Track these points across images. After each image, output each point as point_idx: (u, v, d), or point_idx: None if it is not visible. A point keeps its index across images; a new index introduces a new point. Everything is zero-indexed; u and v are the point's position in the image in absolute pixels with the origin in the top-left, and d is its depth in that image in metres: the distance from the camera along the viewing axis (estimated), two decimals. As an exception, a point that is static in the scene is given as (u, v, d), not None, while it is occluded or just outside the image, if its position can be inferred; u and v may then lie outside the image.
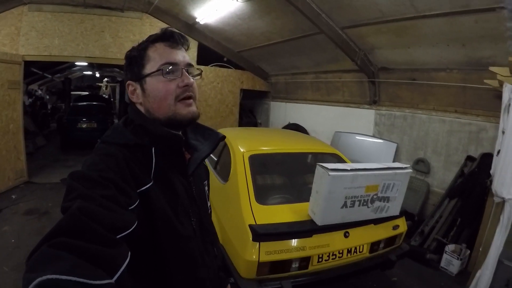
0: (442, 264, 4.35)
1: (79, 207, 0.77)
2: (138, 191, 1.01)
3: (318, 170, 3.02)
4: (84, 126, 10.61)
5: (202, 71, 1.30)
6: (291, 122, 8.87)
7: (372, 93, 6.41)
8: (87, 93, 17.22)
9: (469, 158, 4.84)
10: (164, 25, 7.70)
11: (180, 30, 7.63)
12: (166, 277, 1.08)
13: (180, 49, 1.20)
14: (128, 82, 1.22)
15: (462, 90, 4.86)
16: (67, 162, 9.16)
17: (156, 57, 1.15)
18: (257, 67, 9.58)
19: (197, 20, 7.74)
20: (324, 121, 7.90)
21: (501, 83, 3.54)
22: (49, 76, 17.58)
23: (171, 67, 1.14)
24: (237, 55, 9.08)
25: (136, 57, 1.18)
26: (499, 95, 3.78)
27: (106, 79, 18.28)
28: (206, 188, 1.47)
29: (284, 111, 9.55)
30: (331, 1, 5.02)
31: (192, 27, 8.20)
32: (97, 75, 22.40)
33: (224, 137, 1.35)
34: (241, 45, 8.48)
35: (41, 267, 0.61)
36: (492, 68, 3.59)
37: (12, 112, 6.64)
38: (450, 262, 4.27)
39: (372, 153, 6.19)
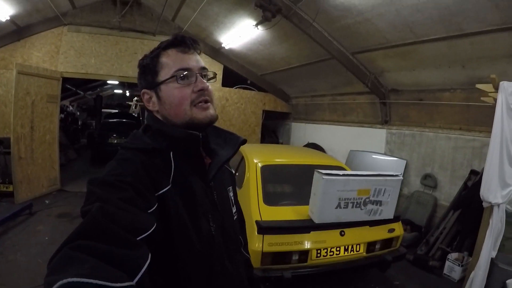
0: (445, 271, 4.56)
1: (99, 210, 0.78)
2: (156, 194, 1.02)
3: (315, 175, 3.47)
4: (115, 141, 11.00)
5: (216, 74, 1.30)
6: (310, 142, 9.23)
7: (383, 113, 6.74)
8: (117, 110, 17.56)
9: (473, 172, 5.09)
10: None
11: (206, 53, 8.40)
12: (182, 281, 1.08)
13: (192, 53, 1.18)
14: (143, 90, 1.21)
15: (466, 108, 5.15)
16: (96, 174, 9.57)
17: (169, 64, 1.14)
18: (279, 89, 10.07)
19: (222, 45, 8.35)
20: (340, 140, 8.24)
21: (495, 99, 3.80)
22: (82, 92, 18.34)
23: (185, 72, 1.13)
24: (260, 78, 9.63)
25: (149, 65, 1.18)
26: None
27: (136, 98, 18.79)
28: (231, 194, 1.44)
29: (304, 132, 9.93)
30: (340, 29, 5.47)
31: (218, 51, 8.84)
32: (128, 94, 23.20)
33: (245, 140, 1.35)
34: (263, 69, 9.03)
35: (62, 270, 0.61)
36: (478, 86, 3.85)
37: (49, 123, 7.28)
38: (452, 269, 4.48)
39: (384, 169, 6.40)
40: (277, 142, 11.15)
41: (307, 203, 3.65)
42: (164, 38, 6.46)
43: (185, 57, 1.16)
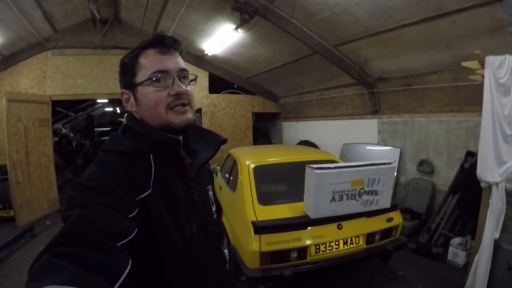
0: (449, 257, 4.45)
1: (79, 216, 0.78)
2: (137, 198, 1.01)
3: (307, 170, 3.37)
4: None
5: (197, 76, 1.27)
6: (302, 139, 9.17)
7: (372, 103, 6.66)
8: (110, 128, 17.71)
9: (469, 154, 4.98)
10: None
11: (191, 62, 8.31)
12: (165, 283, 1.09)
13: (172, 54, 1.15)
14: (122, 90, 1.20)
15: (455, 90, 5.06)
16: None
17: (147, 65, 1.12)
18: (266, 90, 10.01)
19: (205, 52, 8.26)
20: (332, 135, 8.18)
21: (483, 76, 3.68)
22: (73, 114, 18.44)
23: (161, 75, 1.11)
24: (246, 81, 9.56)
25: (128, 65, 1.15)
26: None
27: (126, 114, 18.97)
28: (211, 192, 1.44)
29: (295, 130, 9.89)
30: (319, 22, 5.38)
31: (201, 59, 8.76)
32: (118, 110, 23.33)
33: (226, 140, 1.35)
34: (248, 71, 8.96)
35: (43, 277, 0.61)
36: (464, 64, 3.72)
37: (43, 147, 7.23)
38: (456, 254, 4.37)
39: (378, 159, 6.34)
40: (270, 143, 11.07)
41: (301, 200, 3.55)
42: None
43: (163, 58, 1.13)
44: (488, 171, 3.35)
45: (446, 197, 5.06)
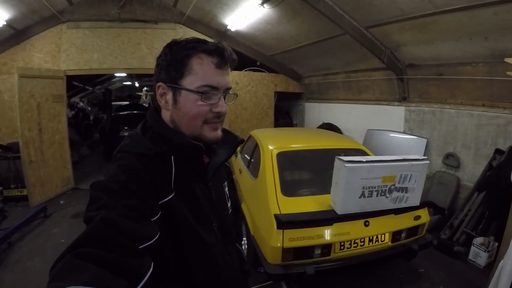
0: (470, 256, 4.36)
1: (103, 218, 0.79)
2: (160, 202, 1.01)
3: (336, 162, 3.23)
4: (127, 134, 10.69)
5: (237, 95, 1.28)
6: (325, 122, 8.97)
7: (401, 90, 6.44)
8: (128, 102, 17.46)
9: (498, 151, 4.80)
10: (197, 34, 8.05)
11: (212, 37, 8.01)
12: (191, 283, 1.10)
13: (225, 69, 1.13)
14: (160, 83, 1.14)
15: (489, 83, 4.84)
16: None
17: (199, 74, 1.08)
18: (290, 69, 9.74)
19: (228, 27, 8.03)
20: (356, 119, 7.96)
21: (524, 74, 3.54)
22: (90, 88, 18.32)
23: (212, 91, 1.10)
24: (270, 58, 9.30)
25: (177, 61, 1.10)
26: None
27: (145, 88, 18.64)
28: (226, 189, 1.46)
29: (318, 112, 9.66)
30: (352, 1, 5.14)
31: (224, 34, 8.48)
32: (137, 84, 22.99)
33: (242, 140, 1.35)
34: (273, 49, 8.70)
35: (65, 278, 0.62)
36: (507, 60, 3.58)
37: (57, 124, 7.13)
38: (478, 254, 4.28)
39: (403, 149, 6.21)
40: (291, 124, 10.91)
41: (327, 192, 3.46)
42: (167, 25, 6.36)
43: (217, 73, 1.10)
44: None
45: (471, 194, 4.92)
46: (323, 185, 3.79)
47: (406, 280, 3.94)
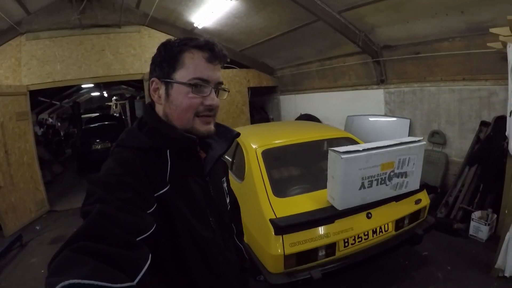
0: (471, 232, 4.35)
1: (99, 211, 0.79)
2: (155, 195, 1.02)
3: (331, 155, 3.05)
4: (99, 147, 10.58)
5: (229, 91, 1.29)
6: (302, 113, 8.84)
7: (378, 72, 6.37)
8: (98, 114, 17.05)
9: (483, 123, 4.78)
10: (163, 35, 7.89)
11: (178, 37, 7.75)
12: (188, 277, 1.10)
13: (216, 65, 1.17)
14: (153, 79, 1.18)
15: (467, 57, 4.80)
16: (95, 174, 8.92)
17: (190, 67, 1.12)
18: (261, 63, 9.57)
19: (194, 25, 7.76)
20: (335, 107, 7.86)
21: (504, 44, 3.49)
22: (58, 102, 17.75)
23: (202, 84, 1.12)
24: (240, 54, 9.08)
25: (170, 56, 1.14)
26: (505, 57, 3.73)
27: (115, 97, 18.30)
28: (225, 184, 1.47)
29: (294, 104, 9.53)
30: (324, -14, 4.98)
31: (190, 33, 8.17)
32: (105, 94, 22.54)
33: (239, 134, 1.35)
34: (242, 44, 8.50)
35: (63, 272, 0.62)
36: (492, 30, 3.52)
37: (24, 143, 6.65)
38: (479, 228, 4.27)
39: (386, 132, 6.16)
40: (267, 119, 10.74)
41: (321, 187, 3.31)
42: (131, 28, 5.71)
43: (208, 67, 1.14)
44: None
45: (462, 169, 4.90)
46: (315, 180, 3.65)
47: (412, 266, 3.87)
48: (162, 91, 1.16)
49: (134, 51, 7.90)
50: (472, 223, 4.33)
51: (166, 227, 1.02)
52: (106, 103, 21.27)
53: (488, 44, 3.96)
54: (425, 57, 5.39)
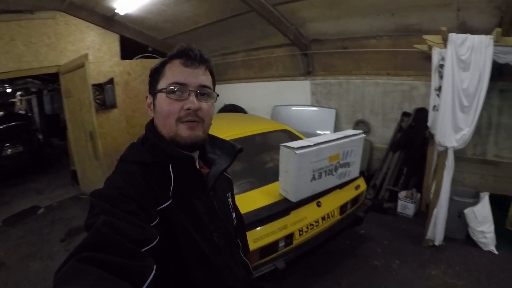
0: (399, 209, 4.95)
1: (104, 222, 0.80)
2: (158, 209, 1.02)
3: (283, 150, 3.22)
4: (9, 152, 9.10)
5: (218, 95, 1.25)
6: (226, 103, 8.83)
7: (305, 64, 6.68)
8: (2, 113, 15.11)
9: (405, 114, 5.40)
10: (81, 22, 7.16)
11: (98, 24, 7.15)
12: None
13: (195, 68, 1.15)
14: (146, 94, 1.23)
15: (393, 55, 5.33)
16: (3, 197, 7.20)
17: (168, 75, 1.14)
18: (184, 52, 9.37)
19: (116, 11, 7.10)
20: (261, 97, 7.99)
21: (430, 47, 3.97)
22: None
23: (177, 87, 1.11)
24: (162, 42, 8.68)
25: (155, 71, 1.18)
26: (427, 57, 4.29)
27: (19, 93, 16.39)
28: (230, 200, 1.47)
29: (218, 93, 9.42)
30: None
31: (111, 19, 7.55)
32: (9, 90, 20.39)
33: (242, 149, 1.33)
34: (166, 32, 8.15)
35: (68, 282, 0.63)
36: (426, 37, 3.96)
37: None
38: (406, 206, 4.87)
39: (313, 121, 6.52)
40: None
41: (269, 181, 3.50)
42: (45, 14, 5.37)
43: (185, 71, 1.13)
44: (446, 137, 3.70)
45: (386, 155, 5.46)
46: (261, 174, 3.83)
47: (353, 245, 4.25)
48: (151, 103, 1.20)
49: (49, 40, 6.86)
50: (400, 202, 4.92)
51: (168, 241, 1.02)
52: (10, 100, 19.11)
53: (415, 46, 4.41)
54: (352, 52, 5.82)
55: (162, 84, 1.14)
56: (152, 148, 1.14)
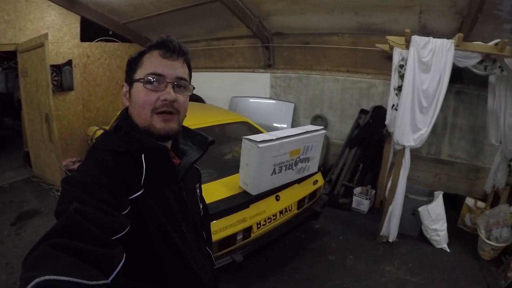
0: (354, 205, 5.05)
1: (75, 209, 0.79)
2: (129, 198, 1.02)
3: (246, 143, 3.18)
4: None
5: (194, 87, 1.26)
6: (185, 92, 8.68)
7: (266, 57, 6.65)
8: None
9: (362, 111, 5.50)
10: (42, 0, 6.67)
11: (59, 4, 6.83)
12: (162, 279, 1.12)
13: (174, 60, 1.15)
14: (123, 83, 1.22)
15: (353, 52, 5.40)
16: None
17: (146, 65, 1.13)
18: (144, 38, 8.94)
19: (78, -10, 6.95)
20: (219, 87, 7.89)
21: (391, 47, 4.04)
22: None
23: (155, 78, 1.10)
24: (123, 27, 8.32)
25: (133, 60, 1.18)
26: (387, 57, 4.44)
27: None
28: (198, 190, 1.49)
29: (175, 82, 9.27)
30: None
31: (73, 0, 7.22)
32: None
33: (213, 141, 1.34)
34: (128, 16, 7.82)
35: (38, 267, 0.62)
36: (389, 37, 4.02)
37: None
38: (360, 202, 4.98)
39: (271, 114, 6.52)
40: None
41: (229, 173, 3.48)
42: None
43: (163, 62, 1.13)
44: (405, 136, 3.80)
45: (342, 150, 5.55)
46: (220, 166, 3.79)
47: (309, 239, 4.29)
48: (127, 93, 1.19)
49: (8, 17, 6.42)
50: (355, 198, 5.03)
51: (139, 230, 1.02)
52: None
53: (377, 45, 4.49)
54: (314, 47, 5.84)
55: (139, 74, 1.13)
56: (125, 136, 1.14)
